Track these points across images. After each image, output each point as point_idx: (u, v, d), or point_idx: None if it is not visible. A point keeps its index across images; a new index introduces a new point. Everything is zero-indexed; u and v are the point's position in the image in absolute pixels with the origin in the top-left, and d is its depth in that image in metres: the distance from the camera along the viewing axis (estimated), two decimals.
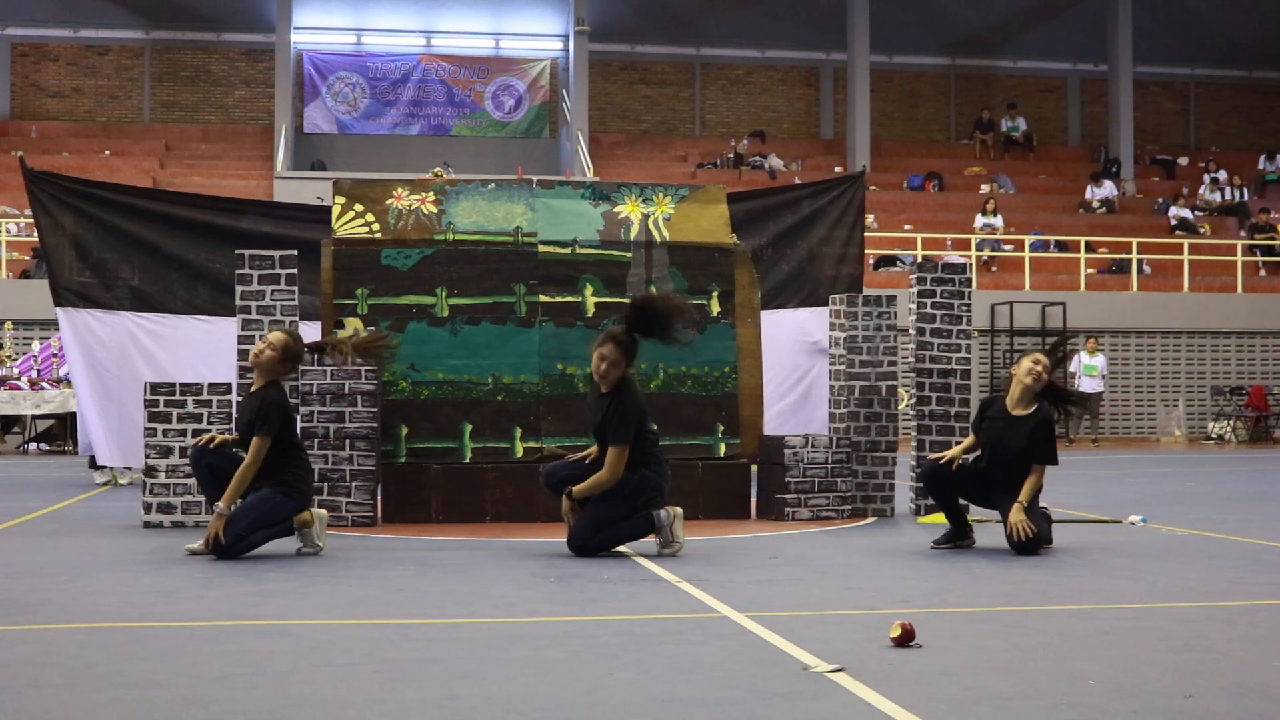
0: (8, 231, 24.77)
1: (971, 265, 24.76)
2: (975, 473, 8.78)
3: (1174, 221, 30.98)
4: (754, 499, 10.84)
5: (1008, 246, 28.68)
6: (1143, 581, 7.34)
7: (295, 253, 10.33)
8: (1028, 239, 28.34)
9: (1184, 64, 36.67)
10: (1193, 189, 33.06)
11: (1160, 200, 32.47)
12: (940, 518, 10.38)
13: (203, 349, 12.26)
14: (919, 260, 25.75)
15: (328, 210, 11.43)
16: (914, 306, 10.89)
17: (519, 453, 10.43)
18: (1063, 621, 6.02)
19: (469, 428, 10.41)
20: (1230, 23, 35.21)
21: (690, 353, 10.66)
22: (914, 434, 10.80)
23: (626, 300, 10.68)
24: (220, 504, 8.03)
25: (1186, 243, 28.73)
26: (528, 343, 10.59)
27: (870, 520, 10.56)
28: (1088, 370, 24.60)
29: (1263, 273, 29.72)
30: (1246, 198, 32.83)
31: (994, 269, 28.42)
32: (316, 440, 9.93)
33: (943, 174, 32.78)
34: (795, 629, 5.71)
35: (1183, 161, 35.28)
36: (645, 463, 8.30)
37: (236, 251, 10.38)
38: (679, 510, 8.44)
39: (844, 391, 10.97)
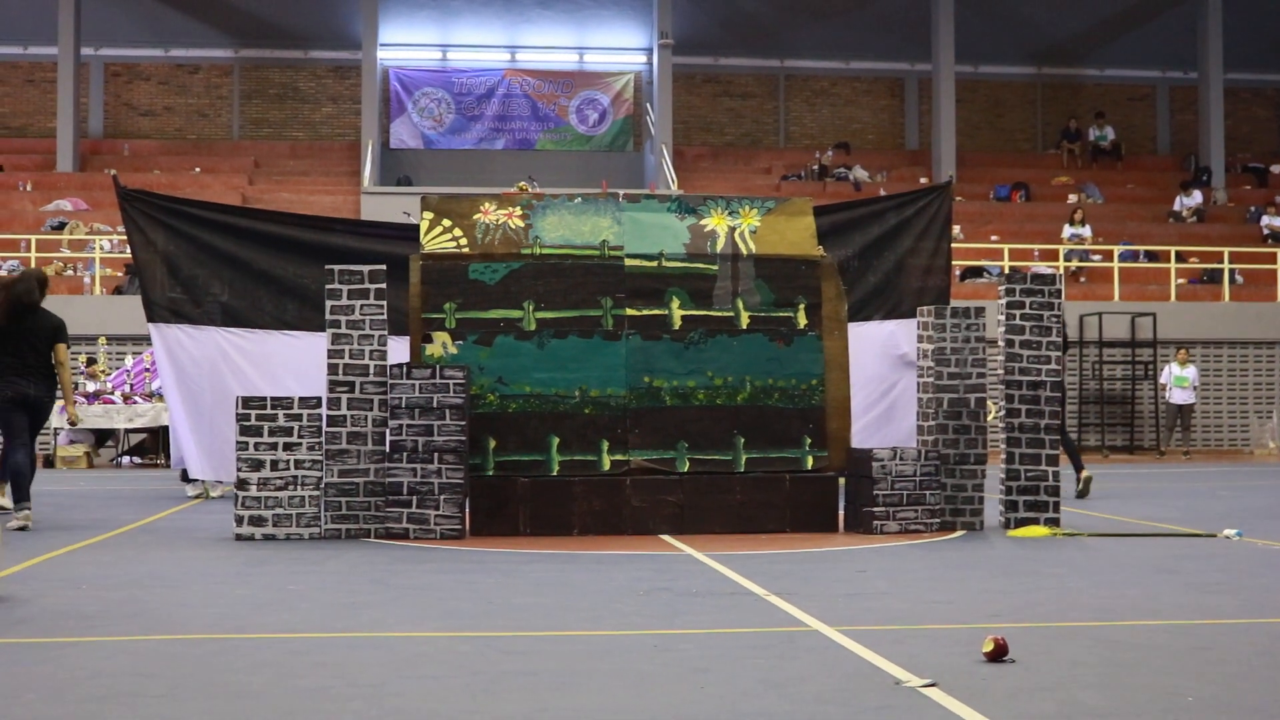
0: (101, 248, 25.16)
1: (1060, 276, 24.53)
2: None
3: (1266, 230, 30.52)
4: (842, 512, 10.79)
5: (1096, 257, 28.35)
6: (1240, 596, 7.24)
7: (384, 268, 10.42)
8: (1116, 249, 28.00)
9: (1276, 70, 36.11)
10: None
11: (1252, 209, 31.97)
12: (1035, 530, 10.31)
13: (291, 364, 12.38)
14: (1006, 271, 25.64)
15: (414, 228, 11.50)
16: (1003, 318, 10.80)
17: (606, 465, 10.44)
18: (1158, 636, 5.95)
19: (556, 440, 10.44)
20: None
21: (777, 365, 10.66)
22: (1003, 446, 10.69)
23: (714, 313, 10.71)
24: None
25: (1279, 251, 28.29)
26: (614, 356, 10.61)
27: (959, 533, 10.47)
28: (1179, 382, 24.27)
29: None
30: None
31: (1082, 279, 28.11)
32: (405, 453, 9.99)
33: (1029, 184, 32.46)
34: (886, 643, 5.67)
35: (1275, 169, 34.72)
36: None
37: (326, 267, 10.48)
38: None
39: (932, 404, 10.89)
